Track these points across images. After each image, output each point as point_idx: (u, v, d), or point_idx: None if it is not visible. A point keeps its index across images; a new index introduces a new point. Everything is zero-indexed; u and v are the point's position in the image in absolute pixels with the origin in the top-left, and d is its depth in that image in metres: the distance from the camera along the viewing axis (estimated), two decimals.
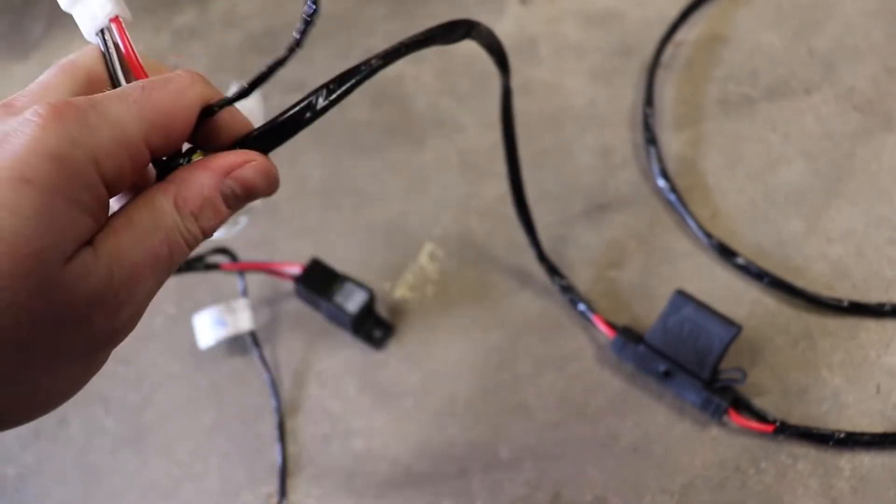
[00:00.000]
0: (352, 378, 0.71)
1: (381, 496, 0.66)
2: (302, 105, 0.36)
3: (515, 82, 0.75)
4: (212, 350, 0.71)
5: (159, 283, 0.33)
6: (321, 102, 0.36)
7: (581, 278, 0.72)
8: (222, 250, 0.71)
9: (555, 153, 0.78)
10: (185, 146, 0.35)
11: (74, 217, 0.29)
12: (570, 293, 0.70)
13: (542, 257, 0.71)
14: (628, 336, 0.67)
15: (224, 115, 0.35)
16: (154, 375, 0.72)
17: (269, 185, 0.36)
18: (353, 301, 0.69)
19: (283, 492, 0.67)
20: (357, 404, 0.70)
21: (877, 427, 0.64)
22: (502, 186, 0.68)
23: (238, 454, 0.69)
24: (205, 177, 0.34)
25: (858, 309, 0.68)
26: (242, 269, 0.72)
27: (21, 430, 0.70)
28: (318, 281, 0.71)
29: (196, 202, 0.33)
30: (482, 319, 0.72)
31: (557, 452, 0.66)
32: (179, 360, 0.73)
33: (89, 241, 0.30)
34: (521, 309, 0.72)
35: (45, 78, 0.35)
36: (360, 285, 0.70)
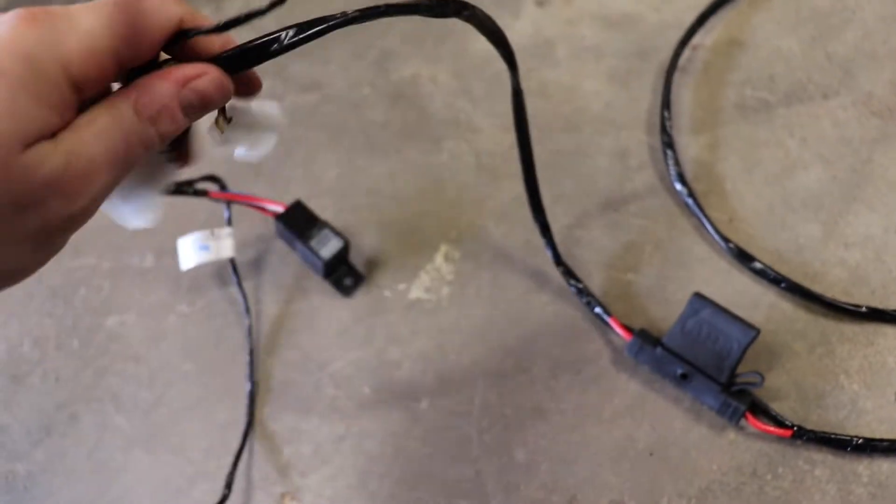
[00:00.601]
0: (364, 376, 0.70)
1: (394, 496, 0.66)
2: (271, 37, 0.37)
3: (532, 84, 0.76)
4: (229, 350, 0.71)
5: (115, 180, 0.36)
6: (289, 37, 0.38)
7: (597, 281, 0.72)
8: (212, 177, 0.73)
9: (571, 155, 0.78)
10: (163, 56, 0.38)
11: (37, 110, 0.32)
12: (585, 296, 0.70)
13: (559, 260, 0.71)
14: (645, 339, 0.66)
15: (200, 38, 0.37)
16: (166, 374, 0.72)
17: (223, 97, 0.38)
18: (327, 247, 0.71)
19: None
20: (372, 405, 0.69)
21: (895, 433, 0.64)
22: (518, 188, 0.68)
23: (252, 454, 0.69)
24: (164, 85, 0.36)
25: (876, 315, 0.68)
26: (229, 199, 0.73)
27: (31, 426, 0.70)
28: (299, 222, 0.73)
29: (154, 108, 0.36)
30: (498, 321, 0.71)
31: (573, 455, 0.66)
32: (192, 358, 0.72)
33: (53, 136, 0.33)
34: (538, 311, 0.71)
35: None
36: (338, 233, 0.72)
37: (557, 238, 0.71)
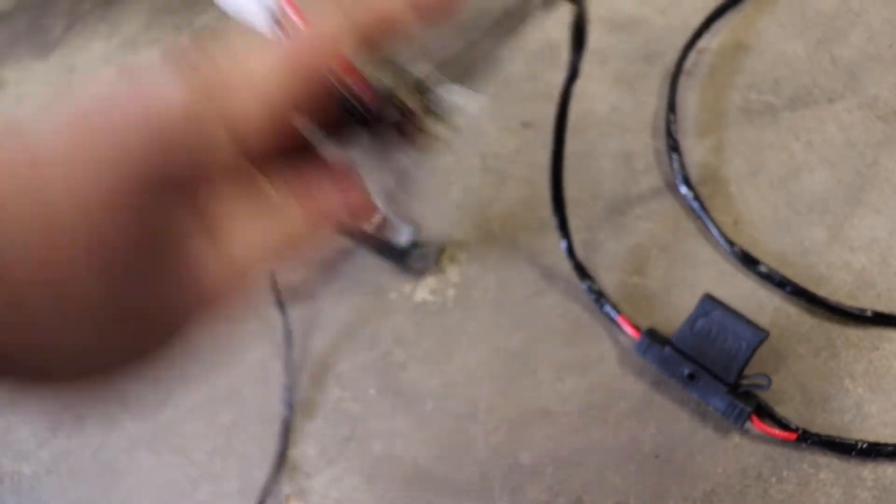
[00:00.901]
0: (369, 378, 0.71)
1: (400, 498, 0.66)
2: None
3: (539, 87, 0.76)
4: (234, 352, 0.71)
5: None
6: None
7: (603, 283, 0.72)
8: None
9: (577, 158, 0.78)
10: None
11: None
12: (596, 294, 0.70)
13: (573, 256, 0.71)
14: (654, 337, 0.66)
15: None
16: (172, 375, 0.72)
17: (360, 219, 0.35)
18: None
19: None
20: (378, 407, 0.69)
21: None
22: (524, 191, 0.68)
23: (257, 455, 0.69)
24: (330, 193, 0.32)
25: (882, 319, 0.68)
26: None
27: (37, 426, 0.70)
28: None
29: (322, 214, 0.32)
30: (503, 323, 0.72)
31: (579, 458, 0.66)
32: (197, 360, 0.72)
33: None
34: (543, 313, 0.72)
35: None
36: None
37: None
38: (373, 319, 0.73)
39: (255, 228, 0.29)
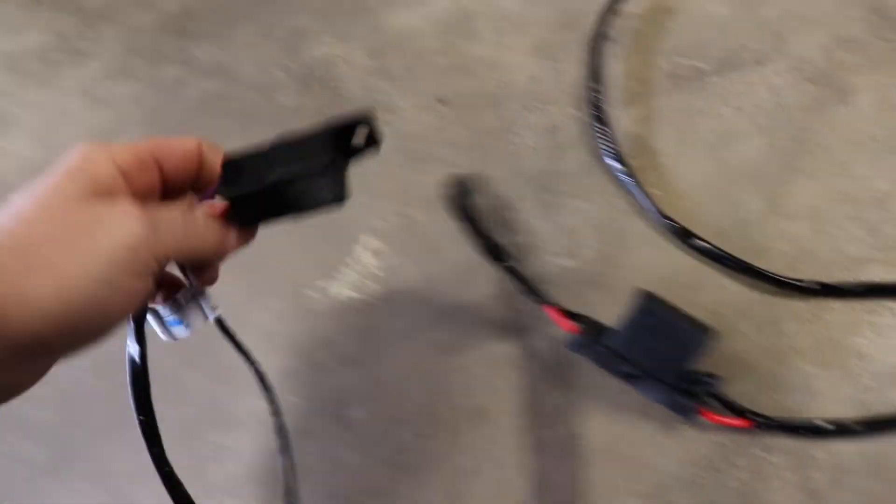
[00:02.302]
0: (291, 384, 0.65)
1: None
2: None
3: (453, 59, 0.71)
4: None
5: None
6: None
7: (532, 267, 0.68)
8: None
9: (498, 134, 0.74)
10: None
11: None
12: (521, 283, 0.65)
13: (495, 251, 0.66)
14: (588, 332, 0.61)
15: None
16: (74, 392, 0.66)
17: None
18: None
19: None
20: (301, 416, 0.64)
21: (850, 413, 0.61)
22: (444, 172, 0.64)
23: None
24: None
25: (825, 290, 0.65)
26: None
27: None
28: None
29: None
30: (432, 317, 0.67)
31: (519, 458, 0.62)
32: (102, 377, 0.66)
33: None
34: (473, 306, 0.67)
35: (53, 181, 0.39)
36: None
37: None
38: (291, 320, 0.68)
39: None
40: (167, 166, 0.43)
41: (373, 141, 0.46)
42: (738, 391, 0.62)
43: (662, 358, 0.58)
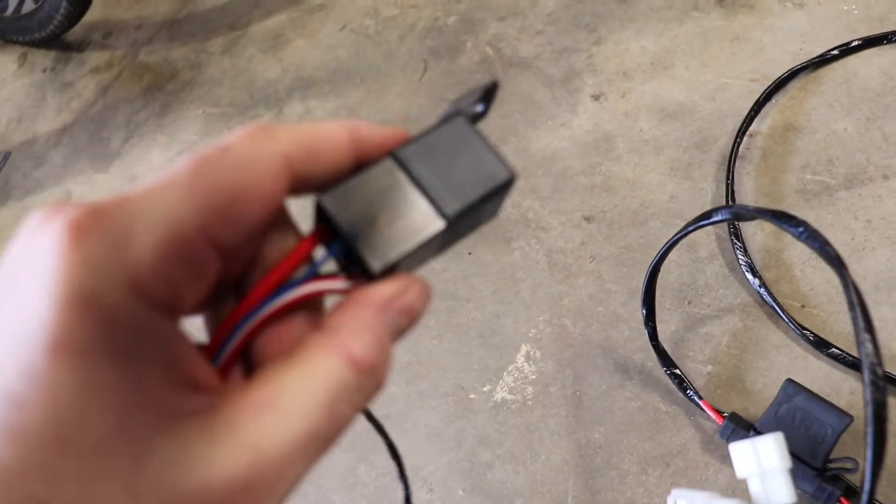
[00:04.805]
0: (457, 479, 0.72)
1: None
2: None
3: (597, 179, 0.78)
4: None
5: (313, 467, 0.24)
6: None
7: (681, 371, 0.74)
8: None
9: (641, 249, 0.80)
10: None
11: (128, 379, 0.20)
12: (679, 380, 0.71)
13: (656, 342, 0.72)
14: (738, 423, 0.68)
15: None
16: None
17: (426, 307, 0.27)
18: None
19: None
20: None
21: None
22: (592, 285, 0.70)
23: None
24: (368, 315, 0.25)
25: None
26: None
27: None
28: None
29: (373, 351, 0.25)
30: (583, 418, 0.73)
31: None
32: None
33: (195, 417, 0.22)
34: (621, 406, 0.73)
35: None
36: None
37: (635, 333, 0.73)
38: (456, 420, 0.75)
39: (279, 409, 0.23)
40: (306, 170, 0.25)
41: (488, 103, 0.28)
42: (879, 493, 0.66)
43: (806, 441, 0.64)
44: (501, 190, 0.28)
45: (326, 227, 0.26)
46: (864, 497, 0.42)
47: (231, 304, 0.27)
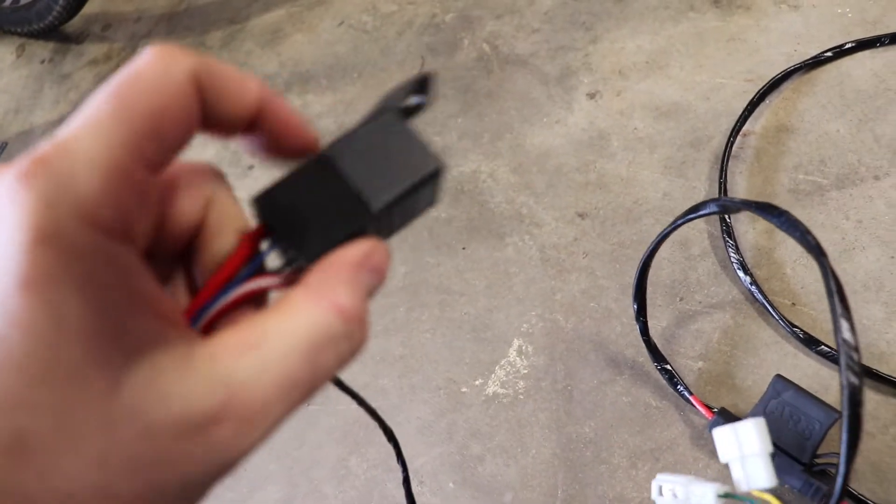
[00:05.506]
0: (447, 471, 0.73)
1: None
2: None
3: (591, 177, 0.78)
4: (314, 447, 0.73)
5: (290, 414, 0.25)
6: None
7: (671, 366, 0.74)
8: None
9: (634, 246, 0.81)
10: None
11: (93, 308, 0.21)
12: (669, 375, 0.72)
13: (647, 338, 0.73)
14: (727, 417, 0.68)
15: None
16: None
17: (388, 268, 0.29)
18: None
19: None
20: (454, 501, 0.72)
21: None
22: (585, 281, 0.71)
23: None
24: (349, 272, 0.27)
25: None
26: None
27: None
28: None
29: (358, 303, 0.26)
30: (574, 413, 0.74)
31: None
32: (277, 460, 0.75)
33: (166, 348, 0.23)
34: (612, 401, 0.74)
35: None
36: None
37: (627, 328, 0.74)
38: (447, 413, 0.76)
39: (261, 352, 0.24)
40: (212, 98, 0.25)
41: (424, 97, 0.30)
42: (863, 487, 0.67)
43: (794, 436, 0.65)
44: (430, 180, 0.29)
45: (265, 222, 0.28)
46: (839, 480, 0.42)
47: (181, 278, 0.29)
